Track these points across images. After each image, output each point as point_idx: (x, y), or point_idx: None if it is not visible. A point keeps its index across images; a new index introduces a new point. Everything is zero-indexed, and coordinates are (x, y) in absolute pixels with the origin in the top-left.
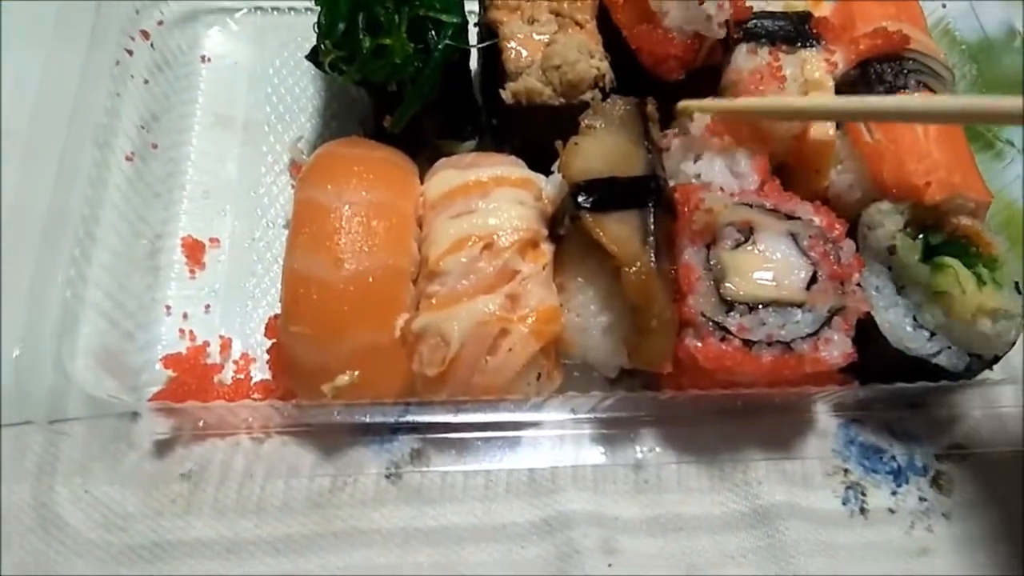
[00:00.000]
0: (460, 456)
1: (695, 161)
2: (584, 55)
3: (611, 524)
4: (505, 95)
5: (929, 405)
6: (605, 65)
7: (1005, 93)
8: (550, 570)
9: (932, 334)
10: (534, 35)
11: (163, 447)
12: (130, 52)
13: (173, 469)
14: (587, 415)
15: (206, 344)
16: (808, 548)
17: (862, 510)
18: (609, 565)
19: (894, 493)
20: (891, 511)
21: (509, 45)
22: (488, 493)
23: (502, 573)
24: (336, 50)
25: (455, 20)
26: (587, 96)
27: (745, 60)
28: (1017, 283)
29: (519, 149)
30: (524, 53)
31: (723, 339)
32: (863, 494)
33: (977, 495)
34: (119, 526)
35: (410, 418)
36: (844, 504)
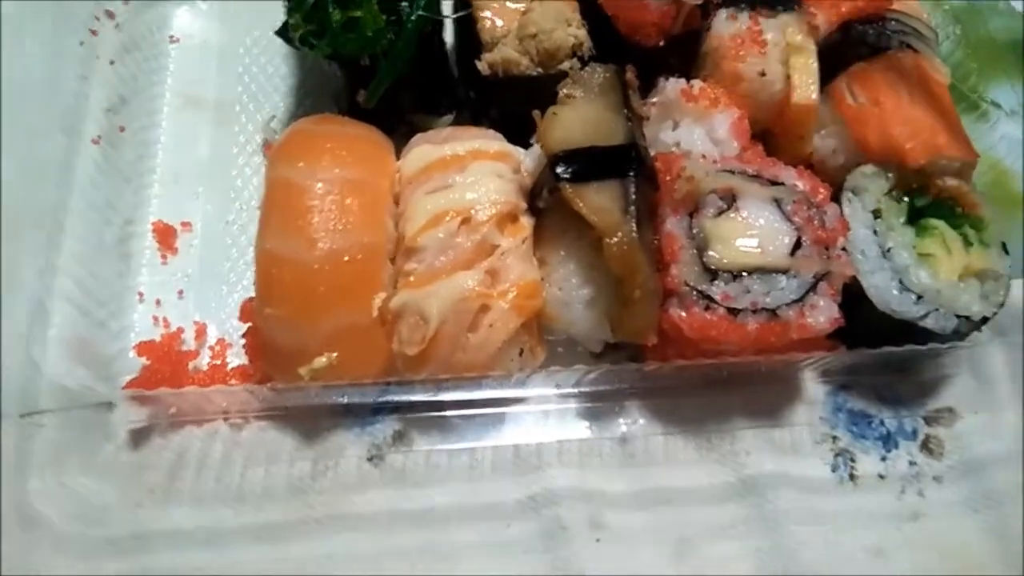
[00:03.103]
0: (443, 436)
1: (673, 128)
2: (561, 23)
3: (598, 499)
4: (481, 66)
5: (918, 369)
6: (583, 33)
7: (989, 54)
8: (537, 547)
9: (919, 297)
10: (509, 4)
11: (139, 436)
12: (95, 32)
13: (150, 459)
14: (571, 389)
15: (180, 330)
16: (798, 516)
17: (852, 476)
18: (597, 540)
19: (884, 459)
20: (881, 477)
21: (484, 15)
22: (473, 472)
23: (489, 552)
24: (306, 24)
25: None
26: (565, 65)
27: (725, 26)
28: (1004, 243)
29: (497, 122)
30: (499, 23)
31: (708, 308)
32: (852, 460)
33: (968, 458)
34: (97, 519)
35: (391, 398)
36: (833, 471)
